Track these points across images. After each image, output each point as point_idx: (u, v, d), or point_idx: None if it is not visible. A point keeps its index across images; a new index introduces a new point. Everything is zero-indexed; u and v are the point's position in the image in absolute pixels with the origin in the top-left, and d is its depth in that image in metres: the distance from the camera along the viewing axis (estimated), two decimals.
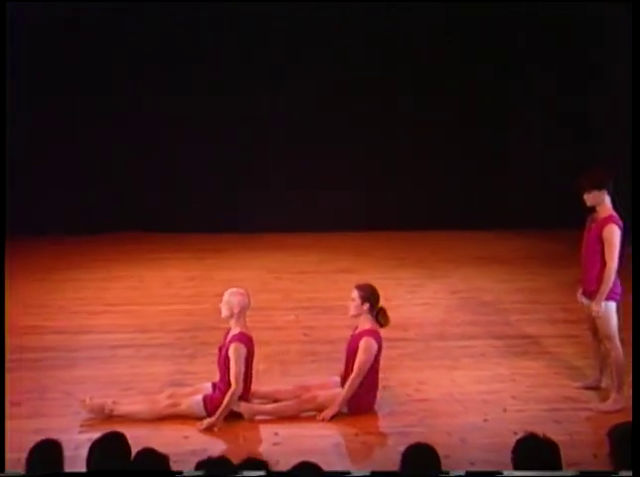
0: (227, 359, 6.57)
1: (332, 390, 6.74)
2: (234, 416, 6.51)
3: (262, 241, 12.07)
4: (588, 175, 6.66)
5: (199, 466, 4.21)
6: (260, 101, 12.43)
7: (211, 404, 6.54)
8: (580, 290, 6.86)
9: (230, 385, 6.53)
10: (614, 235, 6.53)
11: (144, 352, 8.01)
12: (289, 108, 12.53)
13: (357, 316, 6.79)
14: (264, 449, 6.10)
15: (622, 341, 6.73)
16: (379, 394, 6.79)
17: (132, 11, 12.04)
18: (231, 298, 6.64)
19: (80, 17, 12.02)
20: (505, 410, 6.75)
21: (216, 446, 6.12)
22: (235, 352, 6.51)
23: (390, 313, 6.80)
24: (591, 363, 7.23)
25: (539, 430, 4.33)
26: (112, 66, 12.17)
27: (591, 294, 6.65)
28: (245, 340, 6.58)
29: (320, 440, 6.27)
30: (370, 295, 6.73)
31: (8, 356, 7.58)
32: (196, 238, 12.23)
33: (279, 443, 6.21)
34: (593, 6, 11.76)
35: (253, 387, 6.73)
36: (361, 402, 6.68)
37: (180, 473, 4.25)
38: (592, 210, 6.71)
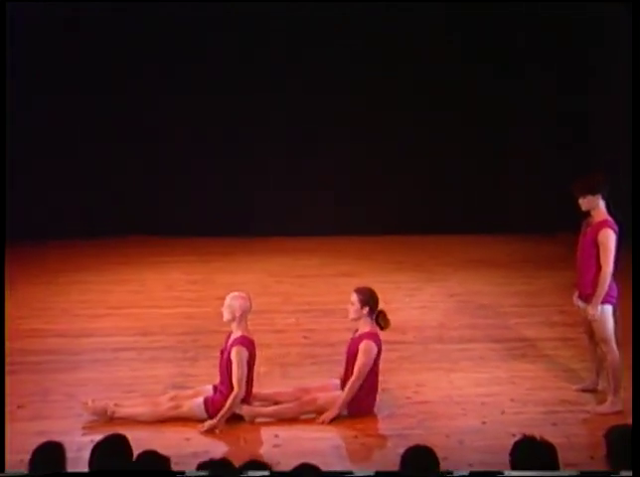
0: (228, 362, 6.61)
1: (332, 392, 6.77)
2: (234, 419, 6.54)
3: (263, 245, 12.09)
4: (583, 180, 6.71)
5: (200, 468, 4.25)
6: (261, 103, 12.42)
7: (212, 407, 6.58)
8: (576, 294, 6.92)
9: (231, 387, 6.57)
10: (609, 239, 6.57)
11: (146, 355, 8.04)
12: (289, 111, 12.52)
13: (357, 319, 6.82)
14: (265, 451, 6.14)
15: (618, 343, 6.77)
16: (378, 396, 6.82)
17: (132, 11, 12.02)
18: (232, 302, 6.68)
19: (80, 17, 12.01)
20: (503, 413, 6.78)
21: (217, 448, 6.14)
22: (237, 355, 6.55)
23: (389, 316, 6.83)
24: (588, 366, 7.26)
25: (536, 433, 4.37)
26: (112, 65, 12.16)
27: (587, 298, 6.70)
28: (247, 343, 6.62)
29: (320, 442, 6.30)
30: (369, 299, 6.77)
31: (11, 358, 7.64)
32: (198, 241, 12.24)
33: (280, 445, 6.24)
34: (593, 6, 11.75)
35: (254, 389, 6.76)
36: (360, 405, 6.71)
37: (181, 473, 4.30)
38: (587, 214, 6.77)
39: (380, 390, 6.86)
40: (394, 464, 4.36)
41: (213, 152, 12.64)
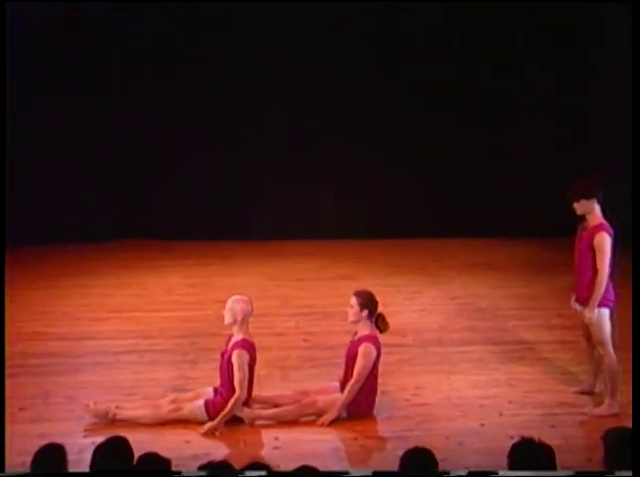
0: (229, 364, 6.64)
1: (331, 395, 6.80)
2: (235, 421, 6.57)
3: (263, 249, 12.13)
4: (577, 184, 6.74)
5: (200, 470, 4.28)
6: (260, 104, 12.45)
7: (212, 409, 6.61)
8: (574, 297, 6.96)
9: (231, 389, 6.60)
10: (605, 243, 6.61)
11: (147, 357, 8.07)
12: (289, 113, 12.55)
13: (356, 322, 6.85)
14: (265, 453, 6.16)
15: (615, 347, 6.80)
16: (377, 398, 6.85)
17: (132, 11, 12.04)
18: (234, 305, 6.71)
19: (81, 17, 12.02)
20: (501, 415, 6.81)
21: (217, 450, 6.16)
22: (238, 358, 6.58)
23: (388, 319, 6.87)
24: (586, 368, 7.29)
25: (534, 435, 4.39)
26: (112, 66, 12.19)
27: (584, 301, 6.74)
28: (248, 346, 6.65)
29: (320, 444, 6.33)
30: (368, 302, 6.80)
31: (13, 362, 7.69)
32: (197, 245, 12.29)
33: (280, 447, 6.27)
34: (593, 6, 11.75)
35: (254, 392, 6.79)
36: (360, 407, 6.74)
37: (180, 474, 4.34)
38: (583, 218, 6.81)
39: (379, 392, 6.89)
40: (393, 466, 4.38)
41: (212, 155, 12.66)
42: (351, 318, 6.85)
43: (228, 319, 6.73)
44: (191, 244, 12.31)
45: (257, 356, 6.78)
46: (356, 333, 6.91)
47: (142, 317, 9.25)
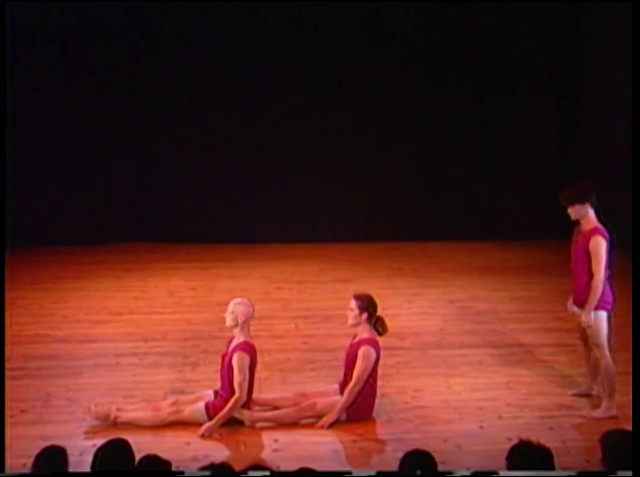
0: (229, 367, 6.66)
1: (331, 397, 6.82)
2: (235, 423, 6.60)
3: (263, 252, 12.17)
4: (570, 189, 6.79)
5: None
6: (262, 112, 12.51)
7: (213, 411, 6.62)
8: (571, 300, 6.99)
9: (232, 392, 6.62)
10: (600, 246, 6.65)
11: (147, 360, 8.10)
12: (289, 117, 12.59)
13: (355, 325, 6.87)
14: (265, 455, 6.19)
15: (613, 349, 6.83)
16: (377, 401, 6.88)
17: (132, 11, 12.07)
18: (235, 308, 6.73)
19: (81, 17, 12.05)
20: (500, 418, 6.84)
21: (217, 452, 6.17)
22: (238, 360, 6.61)
23: (387, 322, 6.88)
24: (584, 371, 7.31)
25: (533, 437, 4.42)
26: (112, 70, 12.26)
27: (582, 304, 6.77)
28: (249, 349, 6.67)
29: (319, 447, 6.35)
30: (368, 305, 6.82)
31: (14, 364, 7.73)
32: (198, 248, 12.33)
33: (279, 450, 6.29)
34: (593, 6, 11.79)
35: (254, 394, 6.82)
36: (359, 410, 6.76)
37: (181, 474, 4.37)
38: (577, 222, 6.85)
39: (378, 394, 6.91)
40: (392, 468, 4.43)
41: (213, 158, 12.70)
42: (350, 321, 6.88)
43: (229, 322, 6.75)
44: (192, 248, 12.34)
45: (258, 358, 6.80)
46: (355, 336, 6.94)
47: (143, 320, 9.28)
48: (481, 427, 6.67)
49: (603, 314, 6.75)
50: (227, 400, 6.63)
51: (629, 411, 6.55)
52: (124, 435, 4.90)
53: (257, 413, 6.77)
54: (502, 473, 4.24)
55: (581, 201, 6.72)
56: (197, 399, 6.80)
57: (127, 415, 6.68)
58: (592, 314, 6.69)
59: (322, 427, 6.64)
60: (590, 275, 6.66)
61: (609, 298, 6.77)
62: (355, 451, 6.37)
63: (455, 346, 8.51)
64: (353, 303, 6.84)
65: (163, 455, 4.48)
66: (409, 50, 12.54)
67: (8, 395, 6.80)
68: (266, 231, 12.65)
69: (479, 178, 12.96)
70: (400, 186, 12.86)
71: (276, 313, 9.41)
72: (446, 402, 7.13)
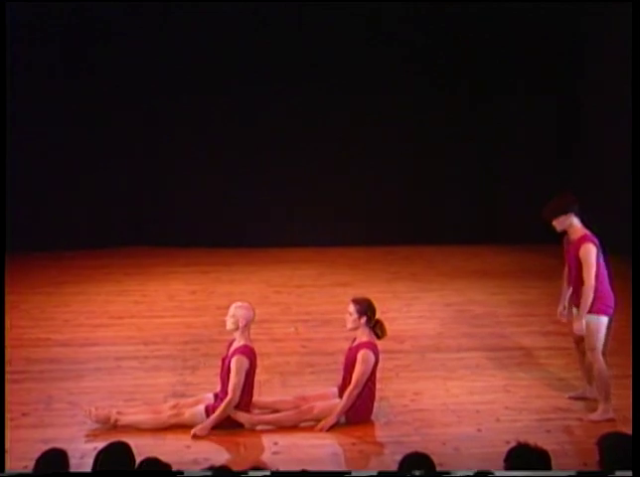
0: (229, 370, 6.69)
1: (330, 400, 6.85)
2: (235, 426, 6.63)
3: (262, 256, 12.19)
4: (552, 203, 6.89)
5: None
6: (261, 117, 12.52)
7: (213, 414, 6.68)
8: (561, 307, 7.06)
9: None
10: (590, 254, 6.71)
11: (148, 363, 8.13)
12: (288, 121, 12.59)
13: (354, 329, 6.90)
14: (265, 458, 6.22)
15: (605, 353, 6.85)
16: (376, 404, 6.91)
17: (132, 11, 12.07)
18: (236, 311, 6.76)
19: (81, 17, 12.05)
20: (498, 420, 6.87)
21: (217, 455, 6.21)
22: (236, 363, 6.64)
23: (386, 325, 6.92)
24: (581, 374, 7.34)
25: (531, 440, 4.47)
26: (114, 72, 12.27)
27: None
28: (248, 353, 6.71)
29: (319, 450, 6.38)
30: (366, 309, 6.85)
31: (15, 368, 7.77)
32: (198, 252, 12.34)
33: (279, 452, 6.32)
34: (593, 6, 11.79)
35: (254, 397, 6.84)
36: (358, 413, 6.79)
37: (181, 473, 4.41)
38: (565, 233, 6.90)
39: (377, 397, 6.95)
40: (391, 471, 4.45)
41: (213, 163, 12.70)
42: (349, 325, 6.91)
43: (230, 325, 6.78)
44: (191, 252, 12.36)
45: (258, 362, 6.83)
46: (354, 339, 6.97)
47: (143, 323, 9.30)
48: (479, 430, 6.71)
49: (604, 319, 6.79)
50: None
51: (626, 414, 6.60)
52: (125, 438, 4.93)
53: (257, 416, 6.80)
54: (506, 473, 4.27)
55: (565, 212, 6.80)
56: (197, 402, 6.83)
57: (128, 418, 6.70)
58: (583, 322, 6.74)
59: (321, 430, 6.67)
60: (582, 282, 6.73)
61: (611, 302, 6.82)
62: (354, 454, 6.40)
63: (453, 349, 8.54)
64: (352, 307, 6.87)
65: (163, 458, 4.51)
66: (409, 50, 12.54)
67: (9, 398, 6.83)
68: (265, 235, 12.67)
69: (477, 182, 12.96)
70: (398, 190, 12.86)
71: (275, 317, 9.44)
72: (445, 406, 7.16)
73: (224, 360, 6.85)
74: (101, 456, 4.53)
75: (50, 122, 12.22)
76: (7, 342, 7.95)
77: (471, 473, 4.34)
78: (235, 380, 6.63)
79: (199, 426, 6.57)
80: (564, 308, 7.10)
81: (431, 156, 12.87)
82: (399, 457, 4.44)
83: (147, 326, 9.22)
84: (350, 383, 6.79)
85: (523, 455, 4.33)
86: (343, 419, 6.77)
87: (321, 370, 7.89)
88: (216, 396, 6.85)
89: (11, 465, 5.79)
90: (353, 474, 4.62)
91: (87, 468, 4.60)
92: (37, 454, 4.56)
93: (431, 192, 12.94)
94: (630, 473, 4.17)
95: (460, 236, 12.71)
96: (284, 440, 6.51)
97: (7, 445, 6.13)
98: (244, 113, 12.59)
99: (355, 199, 12.80)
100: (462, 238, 12.65)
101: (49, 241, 12.20)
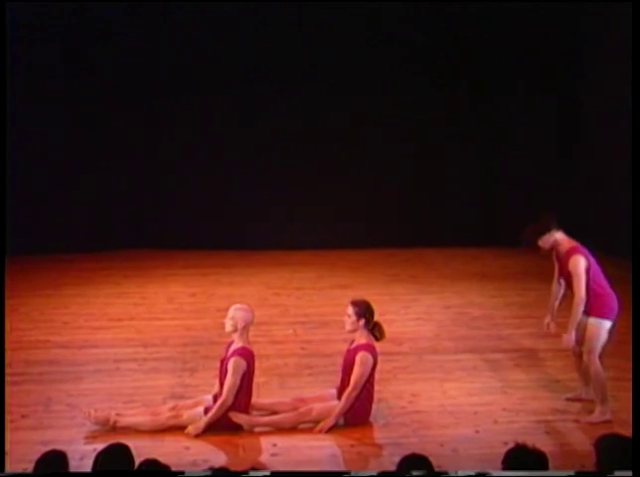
0: (228, 371, 6.71)
1: (329, 402, 6.87)
2: (234, 428, 6.64)
3: (262, 259, 12.22)
4: (530, 227, 6.93)
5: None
6: (261, 119, 12.55)
7: None
8: (548, 318, 7.13)
9: None
10: (579, 266, 6.77)
11: (147, 365, 8.15)
12: (288, 122, 12.64)
13: (353, 331, 6.92)
14: (263, 460, 6.23)
15: (601, 355, 6.88)
16: (374, 406, 6.93)
17: (132, 11, 12.11)
18: (235, 313, 6.77)
19: (81, 17, 12.09)
20: (496, 422, 6.88)
21: (216, 457, 6.23)
22: (234, 364, 6.65)
23: (384, 328, 6.93)
24: (578, 376, 7.37)
25: (528, 441, 4.48)
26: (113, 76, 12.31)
27: (590, 311, 6.84)
28: (246, 354, 6.72)
29: (317, 451, 6.40)
30: (365, 311, 6.87)
31: (15, 369, 7.79)
32: (197, 255, 12.38)
33: (278, 454, 6.33)
34: (593, 6, 11.82)
35: (253, 399, 6.86)
36: (357, 414, 6.80)
37: (181, 473, 4.42)
38: (552, 250, 6.94)
39: (375, 399, 6.97)
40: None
41: (212, 166, 12.74)
42: (348, 327, 6.92)
43: (229, 327, 6.79)
44: (191, 254, 12.40)
45: (256, 364, 6.85)
46: (353, 341, 6.98)
47: (142, 326, 9.33)
48: (477, 432, 6.72)
49: (607, 323, 6.84)
50: None
51: (624, 416, 6.62)
52: (124, 440, 4.95)
53: (256, 418, 6.82)
54: (506, 473, 4.28)
55: (546, 230, 6.85)
56: (196, 404, 6.84)
57: (127, 420, 6.72)
58: (597, 321, 6.76)
59: (320, 432, 6.68)
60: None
61: (614, 305, 6.85)
62: (352, 455, 6.41)
63: (451, 351, 8.56)
64: (350, 309, 6.89)
65: (162, 459, 4.52)
66: (409, 50, 12.57)
67: (9, 400, 6.85)
68: (265, 237, 12.69)
69: (477, 182, 12.98)
70: (398, 190, 12.90)
71: (274, 319, 9.46)
72: (442, 407, 7.18)
73: (222, 362, 6.86)
74: (101, 457, 4.54)
75: (50, 122, 12.25)
76: (7, 344, 7.98)
77: (469, 474, 4.34)
78: (230, 381, 6.65)
79: (192, 426, 6.60)
80: (552, 320, 7.14)
81: (431, 156, 12.89)
82: (397, 459, 4.45)
83: (146, 328, 9.24)
84: (348, 384, 6.80)
85: (521, 456, 4.34)
86: (341, 421, 6.79)
87: (320, 371, 7.91)
88: (215, 397, 6.86)
89: (11, 467, 5.80)
90: (352, 475, 4.62)
91: (87, 469, 4.62)
92: (36, 456, 4.58)
93: (431, 192, 12.96)
94: (630, 473, 4.18)
95: (460, 237, 12.71)
96: (283, 442, 6.53)
97: (7, 447, 6.15)
98: (244, 113, 12.62)
99: (355, 199, 12.82)
100: (463, 241, 12.66)
101: (48, 244, 12.23)
